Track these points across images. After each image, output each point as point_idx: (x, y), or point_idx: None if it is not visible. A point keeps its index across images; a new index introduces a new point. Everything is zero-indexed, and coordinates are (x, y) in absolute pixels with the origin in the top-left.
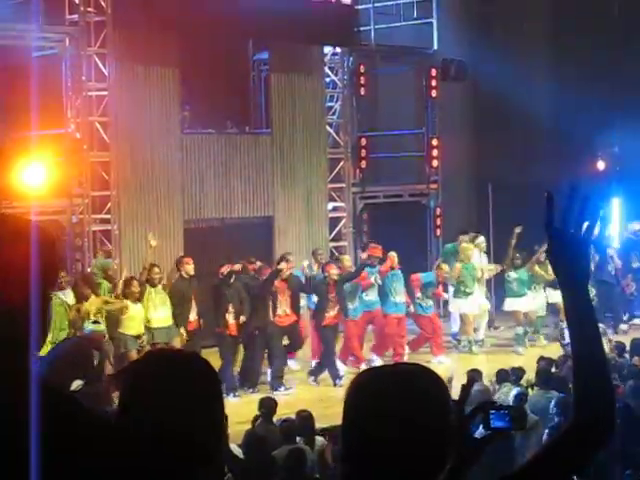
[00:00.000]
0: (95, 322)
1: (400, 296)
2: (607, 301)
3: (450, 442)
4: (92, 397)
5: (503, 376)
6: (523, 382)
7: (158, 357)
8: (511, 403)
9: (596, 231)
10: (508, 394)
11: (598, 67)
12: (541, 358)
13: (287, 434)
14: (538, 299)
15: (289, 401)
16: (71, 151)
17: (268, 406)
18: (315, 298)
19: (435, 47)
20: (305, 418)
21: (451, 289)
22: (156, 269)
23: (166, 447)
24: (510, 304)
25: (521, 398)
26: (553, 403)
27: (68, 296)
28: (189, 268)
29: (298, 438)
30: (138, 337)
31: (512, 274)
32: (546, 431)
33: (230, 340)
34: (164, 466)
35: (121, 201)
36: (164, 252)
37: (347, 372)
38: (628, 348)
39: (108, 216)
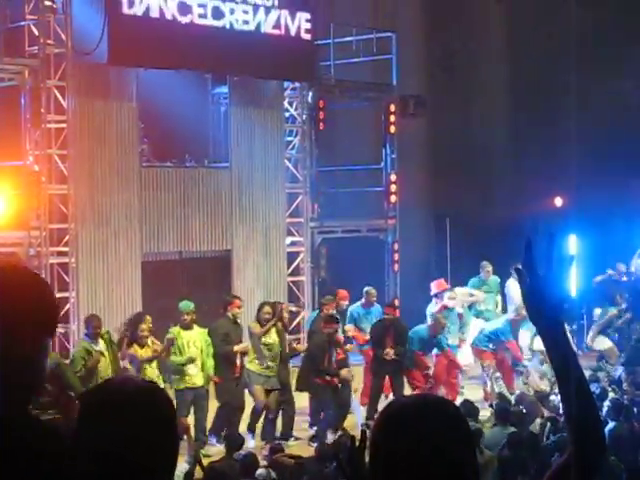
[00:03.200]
0: None
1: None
2: None
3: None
4: None
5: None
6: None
7: (109, 386)
8: None
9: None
10: None
11: (557, 105)
12: (498, 395)
13: (246, 468)
14: None
15: None
16: (29, 183)
17: (232, 441)
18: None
19: (394, 83)
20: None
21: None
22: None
23: (111, 471)
24: None
25: (477, 434)
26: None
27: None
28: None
29: (259, 471)
30: None
31: None
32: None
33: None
34: None
35: (79, 234)
36: (121, 285)
37: None
38: None
39: (66, 249)
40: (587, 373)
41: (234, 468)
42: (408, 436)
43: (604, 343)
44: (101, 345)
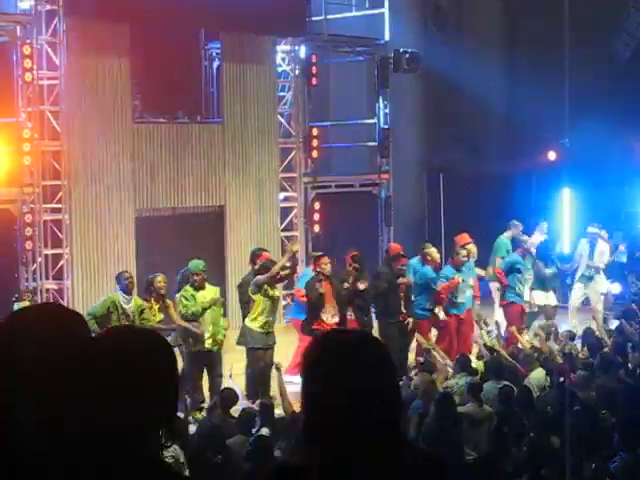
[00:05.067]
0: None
1: None
2: None
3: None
4: None
5: (463, 363)
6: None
7: (113, 334)
8: (465, 393)
9: None
10: (461, 384)
11: (550, 60)
12: (490, 349)
13: (243, 424)
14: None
15: None
16: (22, 140)
17: (228, 397)
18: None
19: (387, 38)
20: (266, 407)
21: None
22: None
23: (116, 411)
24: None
25: (475, 388)
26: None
27: (131, 301)
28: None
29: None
30: None
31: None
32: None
33: None
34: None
35: (72, 190)
36: (116, 241)
37: None
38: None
39: (59, 205)
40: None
41: (229, 424)
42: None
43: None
44: (132, 303)
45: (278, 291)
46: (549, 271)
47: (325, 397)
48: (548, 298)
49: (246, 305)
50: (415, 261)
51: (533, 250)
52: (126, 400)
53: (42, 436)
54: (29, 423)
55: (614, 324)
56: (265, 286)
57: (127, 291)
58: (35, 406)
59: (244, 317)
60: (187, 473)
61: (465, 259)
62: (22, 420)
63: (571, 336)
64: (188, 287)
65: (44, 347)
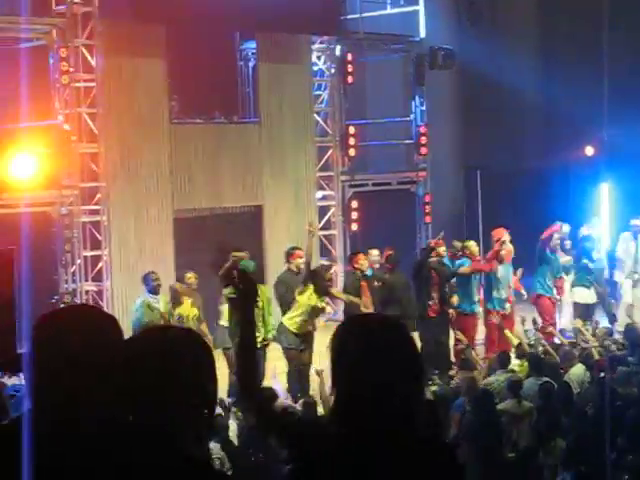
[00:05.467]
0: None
1: None
2: None
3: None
4: None
5: (504, 360)
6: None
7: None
8: (505, 390)
9: None
10: (501, 381)
11: (587, 54)
12: (530, 346)
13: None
14: None
15: None
16: (60, 143)
17: (267, 396)
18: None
19: (422, 35)
20: (309, 405)
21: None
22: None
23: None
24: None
25: (515, 384)
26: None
27: (160, 301)
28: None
29: None
30: None
31: None
32: None
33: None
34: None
35: (110, 192)
36: (154, 242)
37: None
38: None
39: (97, 207)
40: None
41: None
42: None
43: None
44: (161, 303)
45: (322, 302)
46: (591, 266)
47: (348, 384)
48: (589, 296)
49: (285, 304)
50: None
51: (568, 244)
52: (151, 399)
53: (58, 436)
54: (46, 423)
55: None
56: (310, 289)
57: (155, 292)
58: (52, 406)
59: (283, 314)
60: (230, 472)
61: (503, 253)
62: (39, 419)
63: (609, 332)
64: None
65: (73, 347)
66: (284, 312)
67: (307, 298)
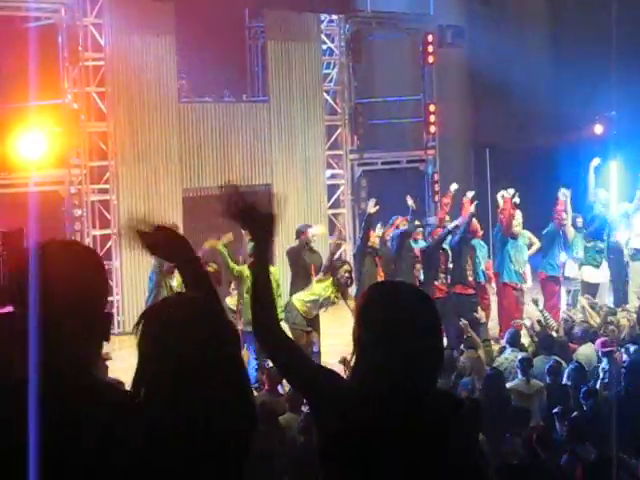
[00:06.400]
0: None
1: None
2: None
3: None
4: None
5: (515, 338)
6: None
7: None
8: (517, 368)
9: None
10: (513, 359)
11: (595, 30)
12: (540, 323)
13: (293, 401)
14: None
15: None
16: (68, 121)
17: (274, 375)
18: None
19: (431, 13)
20: None
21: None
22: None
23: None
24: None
25: (526, 363)
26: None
27: (174, 280)
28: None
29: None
30: None
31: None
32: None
33: None
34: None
35: (119, 171)
36: (164, 220)
37: None
38: None
39: (106, 186)
40: None
41: (280, 403)
42: (384, 305)
43: None
44: (175, 282)
45: (336, 296)
46: (601, 245)
47: (367, 340)
48: (597, 275)
49: (296, 275)
50: None
51: (579, 221)
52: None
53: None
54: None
55: None
56: (329, 280)
57: (171, 272)
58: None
59: (292, 281)
60: None
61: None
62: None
63: (612, 312)
64: (243, 265)
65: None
66: (293, 280)
67: (323, 288)
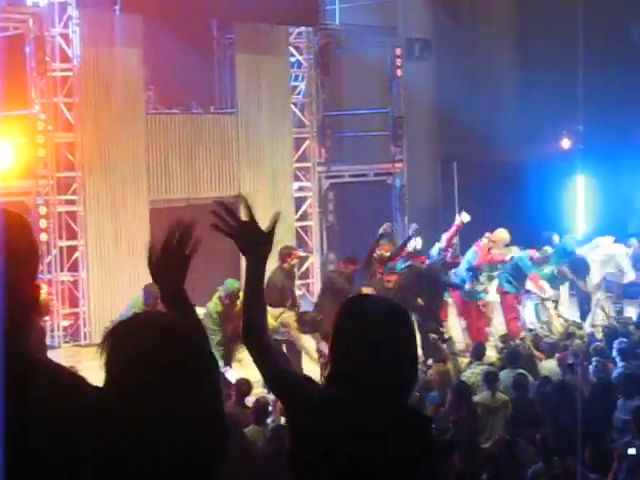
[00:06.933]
0: None
1: None
2: None
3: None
4: None
5: (480, 352)
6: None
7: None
8: (481, 382)
9: None
10: (479, 373)
11: (563, 46)
12: (505, 336)
13: (258, 414)
14: None
15: None
16: (36, 132)
17: (242, 388)
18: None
19: (400, 26)
20: None
21: None
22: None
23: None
24: None
25: (491, 376)
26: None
27: None
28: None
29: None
30: None
31: None
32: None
33: None
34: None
35: (86, 182)
36: (131, 232)
37: None
38: None
39: (74, 197)
40: None
41: (245, 415)
42: (359, 321)
43: None
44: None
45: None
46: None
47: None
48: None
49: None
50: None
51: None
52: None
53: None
54: None
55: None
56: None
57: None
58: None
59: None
60: None
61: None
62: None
63: (578, 325)
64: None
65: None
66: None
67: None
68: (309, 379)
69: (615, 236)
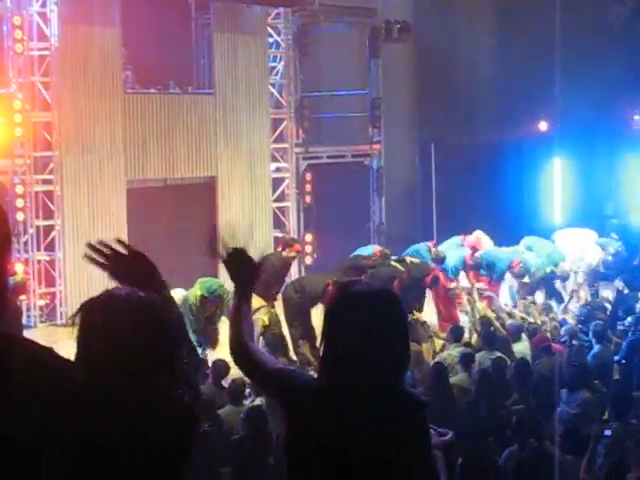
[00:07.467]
0: None
1: None
2: None
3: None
4: None
5: (456, 334)
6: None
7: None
8: (457, 363)
9: None
10: (455, 355)
11: (542, 29)
12: (483, 318)
13: (234, 394)
14: None
15: None
16: (13, 111)
17: (219, 368)
18: None
19: (379, 7)
20: None
21: None
22: None
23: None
24: None
25: (467, 358)
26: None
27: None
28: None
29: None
30: None
31: None
32: None
33: None
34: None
35: (63, 161)
36: (107, 212)
37: None
38: None
39: (50, 177)
40: None
41: (221, 395)
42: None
43: None
44: None
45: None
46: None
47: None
48: None
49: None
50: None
51: None
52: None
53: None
54: None
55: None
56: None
57: None
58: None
59: None
60: None
61: None
62: None
63: (550, 309)
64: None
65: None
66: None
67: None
68: (300, 372)
69: (591, 219)
